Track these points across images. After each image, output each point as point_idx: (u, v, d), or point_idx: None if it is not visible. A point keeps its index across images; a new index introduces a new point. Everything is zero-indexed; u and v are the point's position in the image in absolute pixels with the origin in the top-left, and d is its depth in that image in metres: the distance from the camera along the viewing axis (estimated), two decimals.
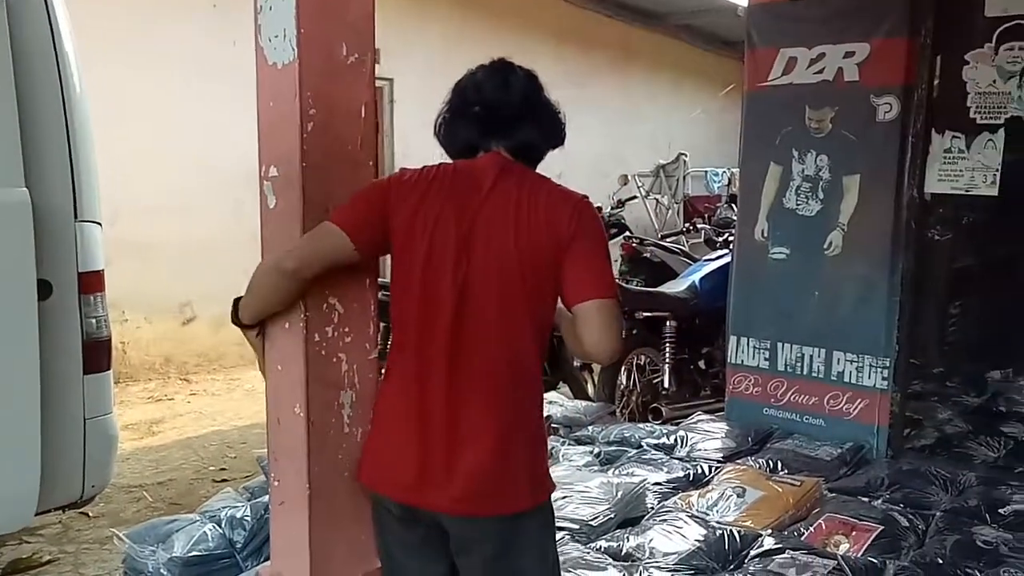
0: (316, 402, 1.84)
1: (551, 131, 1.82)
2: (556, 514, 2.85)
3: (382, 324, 1.98)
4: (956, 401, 4.51)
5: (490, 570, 1.76)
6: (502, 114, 1.76)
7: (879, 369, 3.63)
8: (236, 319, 1.84)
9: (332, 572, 1.90)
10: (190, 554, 2.66)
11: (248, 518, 2.79)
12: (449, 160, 1.81)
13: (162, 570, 2.65)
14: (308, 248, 1.73)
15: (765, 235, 3.87)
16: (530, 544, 1.77)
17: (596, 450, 3.64)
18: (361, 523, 1.92)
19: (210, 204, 5.77)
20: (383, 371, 1.84)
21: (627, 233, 6.38)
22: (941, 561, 2.67)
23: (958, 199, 3.76)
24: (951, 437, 4.03)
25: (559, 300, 1.74)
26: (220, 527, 2.80)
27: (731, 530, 2.84)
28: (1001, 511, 3.03)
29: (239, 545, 2.74)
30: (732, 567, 2.69)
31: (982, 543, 2.76)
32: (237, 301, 1.83)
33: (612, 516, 2.93)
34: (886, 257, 3.55)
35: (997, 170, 3.31)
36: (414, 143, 6.66)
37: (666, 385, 4.53)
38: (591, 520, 2.86)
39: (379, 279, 1.96)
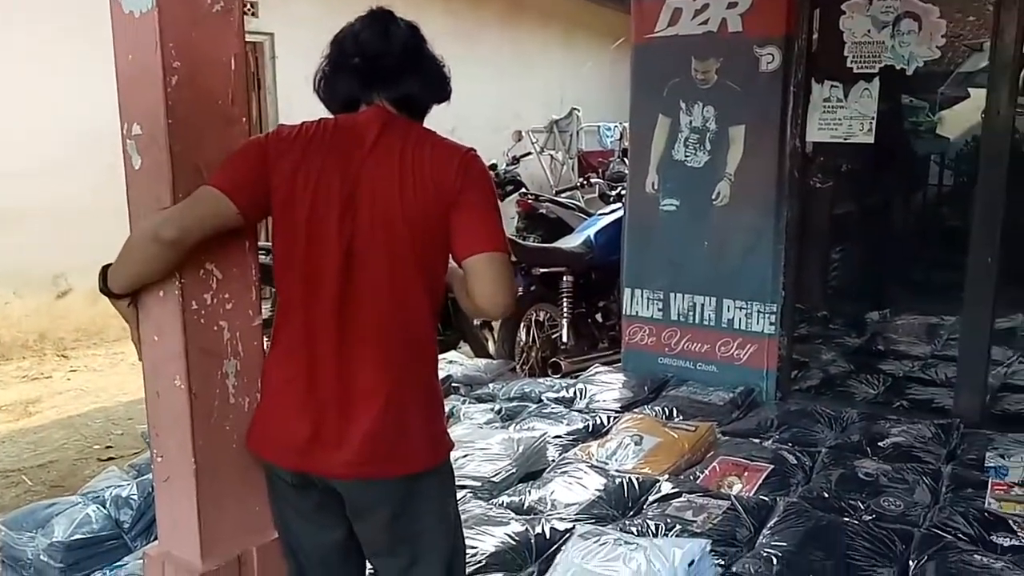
0: (197, 373, 1.75)
1: (435, 84, 1.76)
2: (458, 472, 2.84)
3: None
4: (839, 343, 4.74)
5: (389, 533, 1.73)
6: (383, 64, 1.69)
7: (767, 315, 3.74)
8: (105, 289, 1.72)
9: (224, 547, 1.83)
10: (72, 537, 2.53)
11: (135, 496, 2.67)
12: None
13: (43, 556, 2.51)
14: (189, 215, 1.62)
15: (656, 187, 3.91)
16: (429, 504, 1.74)
17: (497, 407, 3.64)
18: (253, 494, 1.85)
19: (81, 168, 5.40)
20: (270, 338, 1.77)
21: (523, 190, 6.38)
22: (827, 495, 2.79)
23: (838, 147, 3.88)
24: (835, 377, 4.22)
25: (450, 258, 1.71)
26: (105, 508, 2.67)
27: (630, 477, 2.90)
28: (881, 444, 3.20)
29: (126, 525, 2.63)
30: (632, 513, 2.74)
31: (864, 475, 2.90)
32: (106, 269, 1.71)
33: (514, 471, 2.94)
34: (771, 206, 3.64)
35: (873, 118, 3.42)
36: (297, 101, 6.41)
37: (564, 339, 4.57)
38: (493, 476, 2.87)
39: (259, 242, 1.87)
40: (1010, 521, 2.54)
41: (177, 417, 1.76)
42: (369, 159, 1.63)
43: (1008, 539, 2.47)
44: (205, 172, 1.67)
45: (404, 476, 1.68)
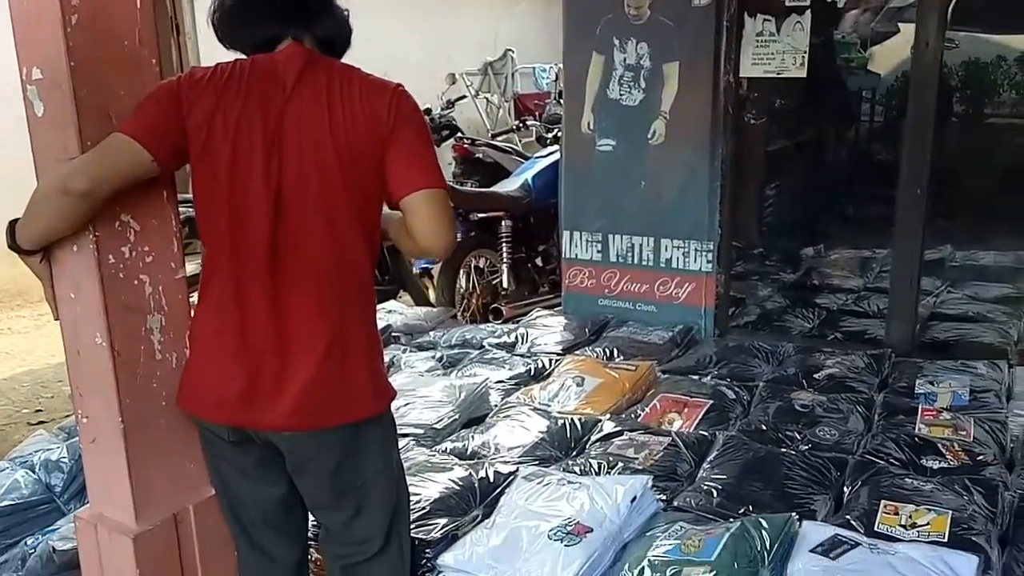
0: (119, 329, 1.68)
1: (346, 27, 1.71)
2: (400, 421, 2.82)
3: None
4: (775, 278, 4.82)
5: (331, 485, 1.71)
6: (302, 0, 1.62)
7: (704, 253, 3.75)
8: (14, 244, 1.63)
9: (158, 506, 1.79)
10: (1, 504, 2.44)
11: (65, 460, 2.59)
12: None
13: None
14: (99, 164, 1.53)
15: (591, 127, 3.87)
16: (372, 454, 1.72)
17: (438, 355, 3.61)
18: (186, 451, 1.81)
19: None
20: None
21: (459, 134, 6.28)
22: (764, 427, 2.84)
23: (771, 83, 3.88)
24: (772, 312, 4.29)
25: (385, 203, 1.66)
26: (34, 472, 2.58)
27: (572, 419, 2.91)
28: (816, 376, 3.26)
29: (58, 489, 2.55)
30: (575, 453, 2.76)
31: (800, 407, 2.95)
32: (13, 224, 1.61)
33: (456, 417, 2.93)
34: (706, 143, 3.63)
35: (805, 52, 3.41)
36: (220, 46, 6.16)
37: (505, 285, 4.56)
38: (435, 423, 2.85)
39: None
40: (939, 445, 2.63)
41: (100, 376, 1.70)
42: (293, 100, 1.56)
43: (937, 462, 2.55)
44: (115, 119, 1.59)
45: (346, 425, 1.66)
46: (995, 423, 2.76)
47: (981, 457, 2.56)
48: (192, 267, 1.97)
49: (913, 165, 3.31)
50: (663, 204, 3.78)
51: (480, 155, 5.75)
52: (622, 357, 3.53)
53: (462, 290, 4.61)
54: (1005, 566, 2.05)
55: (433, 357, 3.57)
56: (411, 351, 3.68)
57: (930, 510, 2.24)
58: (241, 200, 1.57)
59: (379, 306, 4.19)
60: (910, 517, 2.23)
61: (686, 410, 3.01)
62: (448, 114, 6.80)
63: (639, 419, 2.99)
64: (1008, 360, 3.35)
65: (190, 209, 1.64)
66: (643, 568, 2.03)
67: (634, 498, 2.25)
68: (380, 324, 3.84)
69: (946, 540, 2.12)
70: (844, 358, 3.39)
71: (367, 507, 1.74)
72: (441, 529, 2.22)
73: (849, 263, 4.82)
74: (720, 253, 3.76)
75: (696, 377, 3.34)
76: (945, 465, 2.53)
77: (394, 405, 2.89)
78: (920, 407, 2.90)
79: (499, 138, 6.32)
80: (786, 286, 4.65)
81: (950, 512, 2.22)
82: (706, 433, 2.81)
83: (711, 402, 3.04)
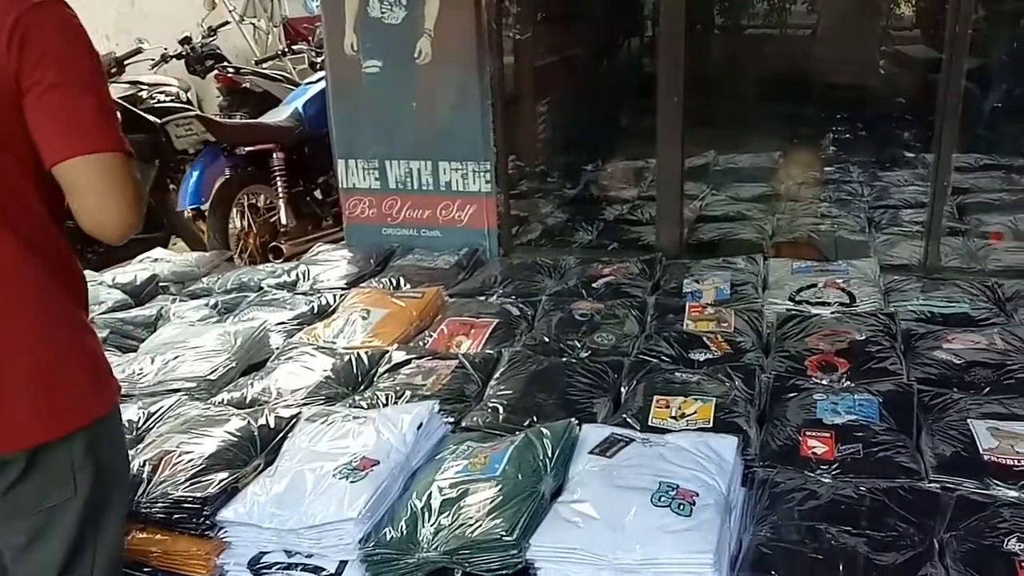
0: None
1: None
2: (168, 376, 2.65)
3: None
4: (557, 194, 4.92)
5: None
6: None
7: (482, 174, 3.74)
8: None
9: None
10: None
11: None
12: None
13: None
14: None
15: (355, 48, 3.69)
16: (58, 479, 1.47)
17: (213, 301, 3.39)
18: None
19: None
20: None
21: (224, 63, 5.85)
22: (547, 339, 2.91)
23: None
24: (553, 228, 4.39)
25: None
26: None
27: (358, 353, 2.83)
28: (594, 286, 3.36)
29: None
30: (363, 388, 2.69)
31: (579, 316, 3.04)
32: None
33: (234, 365, 2.77)
34: (473, 61, 3.57)
35: None
36: None
37: (284, 221, 4.35)
38: (209, 375, 2.68)
39: None
40: (704, 338, 2.79)
41: None
42: None
43: (703, 354, 2.72)
44: None
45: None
46: (753, 312, 2.97)
47: (741, 344, 2.75)
48: None
49: (668, 74, 3.42)
50: (437, 126, 3.70)
51: (247, 85, 5.41)
52: (409, 285, 3.48)
53: (237, 230, 4.35)
54: (763, 442, 2.23)
55: (207, 305, 3.34)
56: (182, 300, 3.43)
57: (697, 400, 2.39)
58: None
59: (142, 255, 3.88)
60: (679, 408, 2.37)
61: (473, 331, 3.02)
62: (210, 42, 6.31)
63: (427, 345, 2.96)
64: (764, 253, 3.62)
65: None
66: (431, 492, 2.02)
67: (420, 425, 2.23)
68: (144, 274, 3.61)
69: (711, 426, 2.27)
70: (620, 266, 3.52)
71: (43, 536, 1.49)
72: (218, 484, 2.09)
73: (624, 174, 5.01)
74: (498, 173, 3.76)
75: (483, 298, 3.35)
76: (710, 356, 2.70)
77: (162, 360, 2.75)
78: (687, 304, 3.07)
79: (264, 65, 5.94)
80: (567, 201, 4.77)
81: (714, 399, 2.37)
82: (492, 351, 2.83)
83: (497, 321, 3.06)
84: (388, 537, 1.94)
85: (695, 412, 2.34)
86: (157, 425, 2.40)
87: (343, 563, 1.97)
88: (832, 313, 2.92)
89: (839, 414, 2.26)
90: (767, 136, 5.34)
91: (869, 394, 2.33)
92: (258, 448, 2.27)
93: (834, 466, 2.07)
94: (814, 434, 2.19)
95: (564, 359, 2.74)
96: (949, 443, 2.11)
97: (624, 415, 2.37)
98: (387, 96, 3.71)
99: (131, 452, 2.23)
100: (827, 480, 2.03)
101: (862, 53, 6.33)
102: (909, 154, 5.02)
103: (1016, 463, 2.00)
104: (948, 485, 1.98)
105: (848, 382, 2.46)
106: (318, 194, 4.73)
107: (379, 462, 2.09)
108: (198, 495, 2.05)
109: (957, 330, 2.73)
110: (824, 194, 4.53)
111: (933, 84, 3.43)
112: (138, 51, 5.07)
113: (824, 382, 2.47)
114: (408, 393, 2.56)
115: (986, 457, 2.03)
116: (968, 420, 2.17)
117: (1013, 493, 1.93)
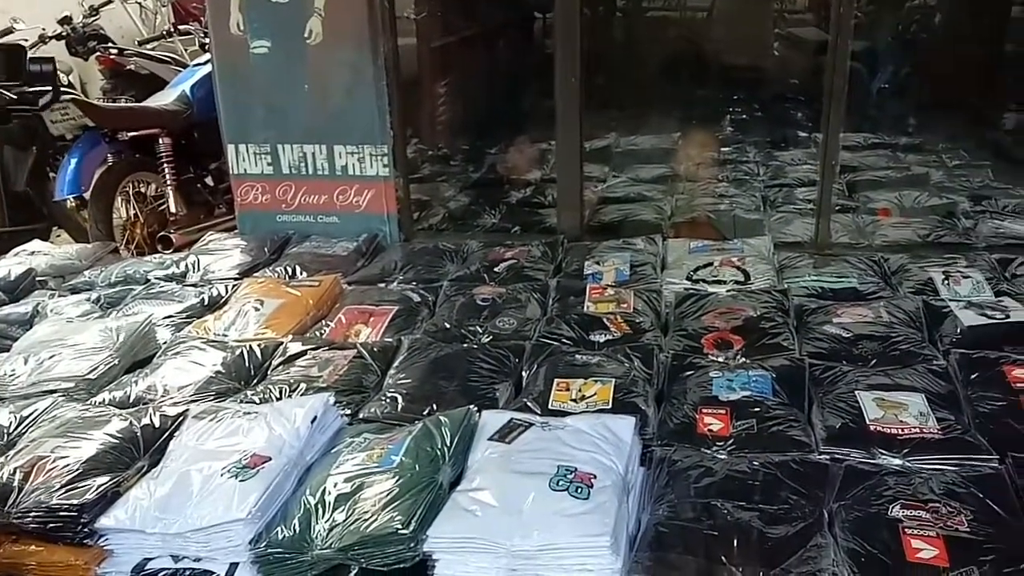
0: None
1: None
2: (44, 376, 2.50)
3: None
4: (459, 178, 4.86)
5: None
6: None
7: (379, 158, 3.64)
8: None
9: None
10: None
11: None
12: None
13: None
14: None
15: (242, 28, 3.54)
16: None
17: (95, 296, 3.22)
18: None
19: None
20: None
21: (109, 44, 5.55)
22: (449, 325, 2.86)
23: None
24: (456, 212, 4.33)
25: None
26: None
27: (251, 346, 2.73)
28: (496, 270, 3.33)
29: None
30: (255, 382, 2.59)
31: (481, 301, 3.00)
32: None
33: (116, 363, 2.63)
34: (367, 41, 3.46)
35: None
36: None
37: (173, 210, 4.17)
38: (89, 373, 2.53)
39: None
40: (604, 320, 2.80)
41: None
42: None
43: (603, 335, 2.72)
44: None
45: None
46: (652, 293, 2.99)
47: (640, 325, 2.77)
48: None
49: (565, 55, 3.40)
50: (331, 109, 3.59)
51: (132, 67, 5.15)
52: (305, 274, 3.37)
53: (123, 220, 4.14)
54: (661, 421, 2.24)
55: (88, 299, 3.17)
56: (61, 296, 3.24)
57: (596, 381, 2.39)
58: None
59: (18, 248, 3.66)
60: (579, 391, 2.36)
61: (372, 319, 2.95)
62: (93, 22, 5.98)
63: (325, 335, 2.88)
64: (663, 234, 3.65)
65: None
66: (326, 488, 1.95)
67: (315, 418, 2.16)
68: (20, 268, 3.40)
69: (610, 407, 2.27)
70: (522, 249, 3.49)
71: None
72: (96, 490, 1.97)
73: (527, 156, 4.98)
74: (396, 157, 3.67)
75: (383, 285, 3.29)
76: (610, 337, 2.71)
77: (36, 360, 2.59)
78: (588, 287, 3.06)
79: (150, 46, 5.67)
80: (469, 184, 4.72)
81: (613, 380, 2.38)
82: (391, 339, 2.77)
83: (397, 308, 3.00)
84: (280, 536, 1.87)
85: (595, 394, 2.34)
86: (30, 429, 2.25)
87: (234, 565, 1.89)
88: (728, 291, 2.97)
89: (734, 390, 2.29)
90: (667, 118, 5.40)
91: (763, 370, 2.38)
92: (141, 450, 2.15)
93: (729, 442, 2.10)
94: (710, 411, 2.21)
95: (465, 345, 2.70)
96: (838, 415, 2.16)
97: (525, 400, 2.35)
98: (277, 78, 3.58)
99: (1, 459, 2.10)
100: (723, 456, 2.05)
101: (757, 35, 6.47)
102: (802, 134, 5.16)
103: (900, 432, 2.07)
104: (837, 456, 2.03)
105: (743, 359, 2.50)
106: (210, 181, 4.54)
107: (270, 458, 2.02)
108: (74, 502, 1.94)
109: (846, 304, 2.81)
110: (721, 174, 4.61)
111: (823, 66, 3.51)
112: (9, 31, 4.76)
113: (720, 359, 2.51)
114: (303, 386, 2.48)
115: (872, 427, 2.10)
116: (856, 392, 2.24)
117: (897, 461, 1.99)
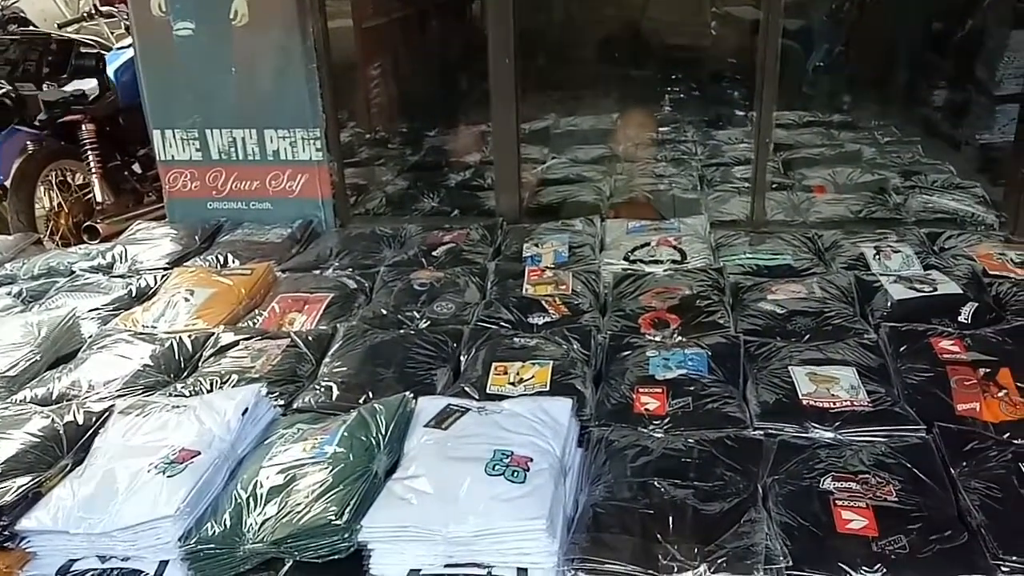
0: None
1: None
2: None
3: None
4: (398, 161, 4.78)
5: None
6: None
7: (312, 141, 3.56)
8: None
9: None
10: None
11: None
12: None
13: None
14: None
15: (164, 9, 3.41)
16: None
17: (17, 289, 3.10)
18: None
19: None
20: None
21: (31, 27, 5.32)
22: (386, 311, 2.82)
23: None
24: (394, 196, 4.25)
25: None
26: None
27: (181, 337, 2.66)
28: (435, 254, 3.29)
29: None
30: (186, 374, 2.52)
31: (419, 286, 2.96)
32: None
33: (38, 359, 2.54)
34: (295, 22, 3.37)
35: None
36: None
37: (99, 198, 4.03)
38: (8, 371, 2.45)
39: None
40: (542, 301, 2.78)
41: None
42: None
43: (542, 318, 2.71)
44: None
45: None
46: (590, 274, 2.99)
47: (579, 306, 2.76)
48: None
49: (498, 36, 3.36)
50: (260, 92, 3.50)
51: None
52: (238, 262, 3.30)
53: (46, 210, 3.98)
54: (598, 401, 2.24)
55: (10, 293, 3.05)
56: None
57: (534, 364, 2.37)
58: None
59: None
60: (517, 374, 2.35)
61: (307, 307, 2.89)
62: (12, 4, 5.74)
63: (258, 325, 2.81)
64: (602, 215, 3.65)
65: None
66: (258, 481, 1.91)
67: (246, 410, 2.11)
68: None
69: (548, 389, 2.26)
70: (460, 232, 3.46)
71: None
72: (16, 491, 1.89)
73: (465, 138, 4.92)
74: (329, 140, 3.59)
75: (318, 272, 3.23)
76: (548, 319, 2.70)
77: None
78: (527, 269, 3.04)
79: (71, 28, 5.45)
80: (407, 167, 4.64)
81: (551, 363, 2.37)
82: (326, 327, 2.72)
83: (332, 295, 2.94)
84: (211, 532, 1.82)
85: (532, 377, 2.33)
86: None
87: (163, 563, 1.84)
88: (665, 271, 2.97)
89: (670, 369, 2.30)
90: (605, 98, 5.38)
91: (699, 348, 2.39)
92: (64, 448, 2.08)
93: (666, 421, 2.11)
94: (647, 391, 2.22)
95: (402, 331, 2.67)
96: (772, 391, 2.19)
97: (463, 384, 2.33)
98: (203, 61, 3.47)
99: None
100: (659, 435, 2.06)
101: (694, 14, 6.48)
102: (739, 113, 5.19)
103: (831, 405, 2.10)
104: (771, 431, 2.05)
105: (679, 337, 2.51)
106: (137, 168, 4.40)
107: (200, 453, 1.96)
108: None
109: (780, 281, 2.84)
110: (660, 154, 4.62)
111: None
112: None
113: (657, 339, 2.51)
114: (235, 377, 2.42)
115: (805, 402, 2.12)
116: (789, 367, 2.26)
117: (829, 434, 2.02)
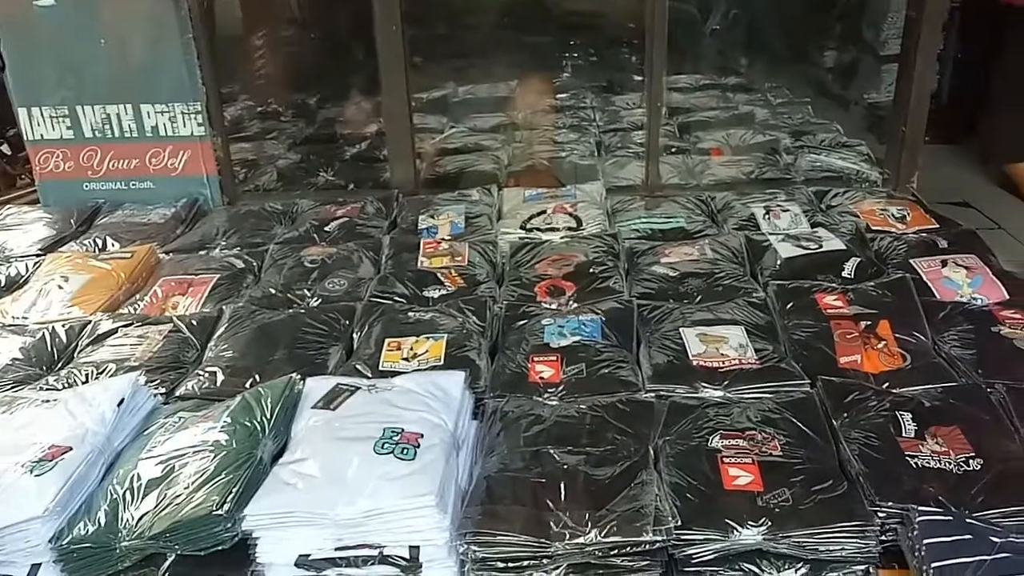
0: None
1: None
2: None
3: None
4: (289, 134, 4.62)
5: None
6: None
7: (192, 116, 3.39)
8: None
9: None
10: None
11: None
12: None
13: None
14: None
15: None
16: None
17: None
18: None
19: None
20: None
21: None
22: (275, 290, 2.72)
23: None
24: (286, 171, 4.11)
25: None
26: None
27: (53, 327, 2.51)
28: (327, 229, 3.19)
29: None
30: (60, 366, 2.39)
31: (310, 263, 2.86)
32: None
33: None
34: None
35: None
36: None
37: None
38: None
39: None
40: (438, 274, 2.73)
41: None
42: None
43: (437, 291, 2.66)
44: None
45: None
46: (487, 244, 2.95)
47: (476, 277, 2.72)
48: None
49: (385, 2, 3.25)
50: (134, 65, 3.30)
51: None
52: (118, 245, 3.13)
53: None
54: (494, 372, 2.21)
55: None
56: None
57: (428, 338, 2.33)
58: None
59: None
60: (411, 349, 2.30)
61: (191, 290, 2.77)
62: None
63: (140, 311, 2.68)
64: (499, 184, 3.61)
65: None
66: (135, 474, 1.82)
67: (122, 400, 2.00)
68: None
69: (443, 363, 2.22)
70: (354, 206, 3.37)
71: None
72: None
73: (360, 109, 4.78)
74: (211, 114, 3.43)
75: (203, 253, 3.09)
76: (444, 292, 2.65)
77: None
78: (422, 241, 2.98)
79: None
80: (300, 141, 4.49)
81: (446, 336, 2.33)
82: (210, 310, 2.61)
83: (218, 276, 2.83)
84: (84, 530, 1.72)
85: (426, 351, 2.28)
86: None
87: (35, 567, 1.75)
88: (561, 238, 2.96)
89: (565, 336, 2.29)
90: (503, 66, 5.31)
91: (593, 314, 2.39)
92: None
93: (560, 388, 2.10)
94: (541, 359, 2.21)
95: (292, 310, 2.58)
96: (663, 353, 2.20)
97: (355, 363, 2.27)
98: (68, 33, 3.24)
99: None
100: (553, 403, 2.05)
101: None
102: (637, 78, 5.19)
103: (720, 365, 2.12)
104: (662, 393, 2.06)
105: (575, 304, 2.50)
106: (7, 149, 4.13)
107: (71, 448, 1.85)
108: None
109: (673, 244, 2.86)
110: (558, 121, 4.60)
111: None
112: None
113: (552, 307, 2.50)
114: (114, 366, 2.31)
115: (695, 362, 2.14)
116: (680, 329, 2.28)
117: (718, 393, 2.05)
